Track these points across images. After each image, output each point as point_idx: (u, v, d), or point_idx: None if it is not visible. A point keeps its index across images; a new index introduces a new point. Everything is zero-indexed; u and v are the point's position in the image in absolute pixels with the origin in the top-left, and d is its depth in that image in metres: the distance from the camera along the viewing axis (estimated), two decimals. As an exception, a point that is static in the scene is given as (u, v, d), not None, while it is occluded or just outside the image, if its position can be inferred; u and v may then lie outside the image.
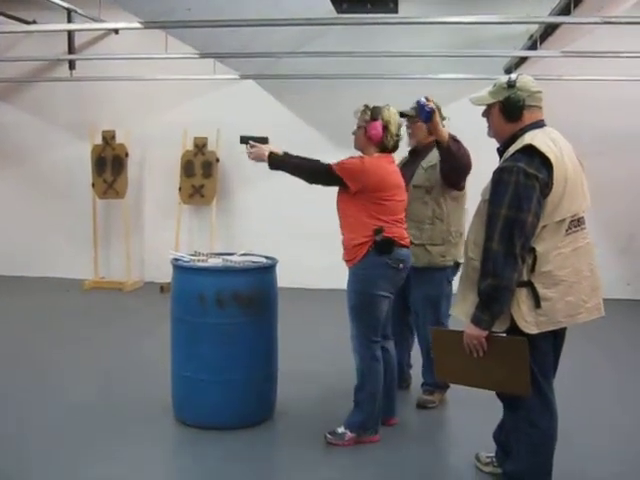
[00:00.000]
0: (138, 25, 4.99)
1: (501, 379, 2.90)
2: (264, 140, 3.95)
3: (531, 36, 6.69)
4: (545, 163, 2.80)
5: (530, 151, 2.81)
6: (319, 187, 3.88)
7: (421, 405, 4.41)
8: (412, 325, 4.58)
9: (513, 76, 3.00)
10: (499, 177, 2.83)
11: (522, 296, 2.83)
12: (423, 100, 3.91)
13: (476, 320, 2.85)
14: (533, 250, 2.82)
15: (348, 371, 3.96)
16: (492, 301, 2.81)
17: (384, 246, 3.68)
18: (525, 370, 2.82)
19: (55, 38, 7.84)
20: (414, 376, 4.72)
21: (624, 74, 7.03)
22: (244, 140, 3.97)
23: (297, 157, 3.97)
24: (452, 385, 4.37)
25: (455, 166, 4.12)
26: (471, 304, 2.93)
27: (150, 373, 4.90)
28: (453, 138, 4.06)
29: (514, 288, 2.80)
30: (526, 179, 2.76)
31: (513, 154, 2.85)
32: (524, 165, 2.78)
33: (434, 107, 3.92)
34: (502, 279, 2.76)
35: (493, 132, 3.07)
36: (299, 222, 7.98)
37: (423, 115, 3.91)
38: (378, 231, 3.67)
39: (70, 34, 7.88)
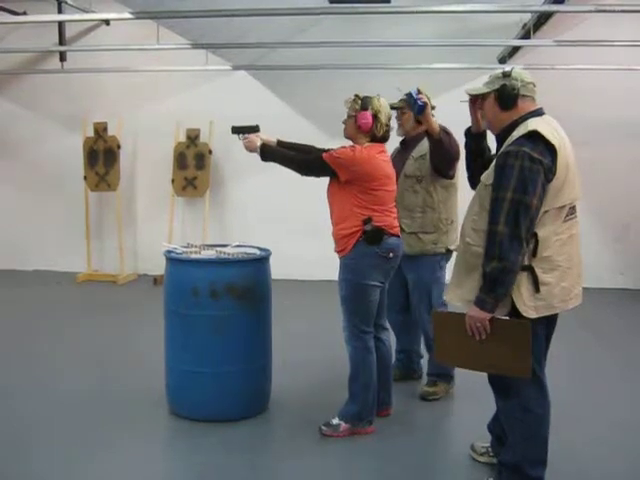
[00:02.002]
0: (129, 15, 4.94)
1: (502, 361, 2.90)
2: (255, 129, 3.96)
3: (524, 25, 6.67)
4: (549, 149, 2.82)
5: (534, 137, 2.82)
6: (312, 178, 3.87)
7: (423, 397, 4.40)
8: None
9: (508, 68, 3.04)
10: (504, 161, 2.83)
11: (523, 280, 2.85)
12: (415, 92, 3.88)
13: (480, 303, 2.85)
14: (535, 235, 2.84)
15: (343, 362, 3.95)
16: (497, 284, 2.81)
17: (374, 236, 3.68)
18: (527, 352, 2.83)
19: (46, 29, 7.77)
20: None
21: (618, 63, 7.01)
22: (235, 131, 3.99)
23: (290, 146, 4.01)
24: (458, 378, 4.38)
25: (445, 157, 4.15)
26: (468, 290, 2.95)
27: (144, 366, 4.89)
28: (444, 130, 4.07)
29: (518, 271, 2.82)
30: (531, 163, 2.77)
31: (517, 139, 2.86)
32: (529, 150, 2.79)
33: (426, 100, 3.91)
34: (507, 262, 2.77)
35: (488, 122, 3.10)
36: (292, 213, 7.97)
37: (415, 108, 3.90)
38: (367, 221, 3.67)
39: (61, 25, 7.81)
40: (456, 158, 4.16)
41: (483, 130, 3.25)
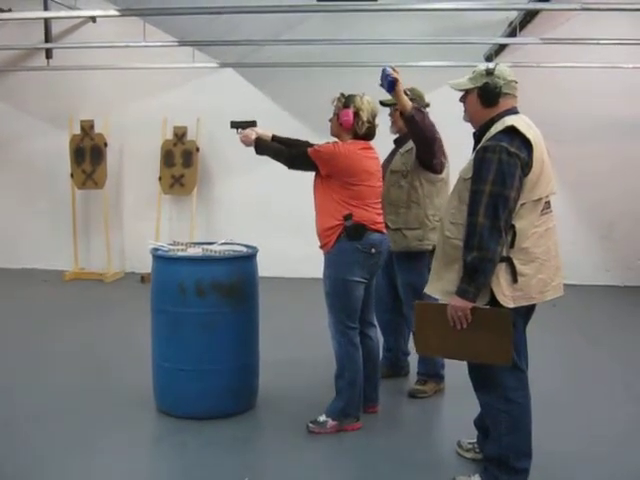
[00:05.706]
0: (115, 13, 4.93)
1: (484, 350, 2.94)
2: (253, 123, 4.05)
3: (511, 23, 6.70)
4: (525, 144, 2.89)
5: (511, 132, 2.89)
6: (299, 175, 3.91)
7: (412, 395, 4.41)
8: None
9: (492, 64, 3.09)
10: (483, 155, 2.89)
11: (501, 271, 2.90)
12: (388, 69, 3.81)
13: (462, 292, 2.90)
14: (513, 227, 2.90)
15: (331, 359, 3.95)
16: (478, 273, 2.86)
17: (354, 231, 3.70)
18: (509, 340, 2.88)
19: (32, 27, 7.75)
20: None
21: (604, 61, 7.04)
22: (234, 125, 4.07)
23: (282, 140, 4.07)
24: (448, 375, 4.39)
25: (421, 137, 4.12)
26: (448, 282, 3.00)
27: (131, 363, 4.87)
28: (417, 109, 4.05)
29: (497, 261, 2.87)
30: (509, 157, 2.84)
31: (495, 135, 2.92)
32: (507, 144, 2.86)
33: (397, 77, 3.81)
34: (487, 251, 2.82)
35: (469, 117, 3.15)
36: (280, 211, 7.96)
37: (385, 84, 3.83)
38: (348, 217, 3.70)
39: (47, 23, 7.79)
40: (432, 138, 4.14)
41: None
